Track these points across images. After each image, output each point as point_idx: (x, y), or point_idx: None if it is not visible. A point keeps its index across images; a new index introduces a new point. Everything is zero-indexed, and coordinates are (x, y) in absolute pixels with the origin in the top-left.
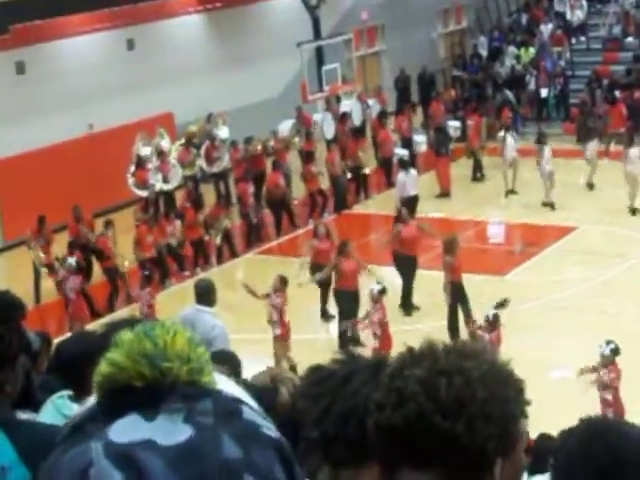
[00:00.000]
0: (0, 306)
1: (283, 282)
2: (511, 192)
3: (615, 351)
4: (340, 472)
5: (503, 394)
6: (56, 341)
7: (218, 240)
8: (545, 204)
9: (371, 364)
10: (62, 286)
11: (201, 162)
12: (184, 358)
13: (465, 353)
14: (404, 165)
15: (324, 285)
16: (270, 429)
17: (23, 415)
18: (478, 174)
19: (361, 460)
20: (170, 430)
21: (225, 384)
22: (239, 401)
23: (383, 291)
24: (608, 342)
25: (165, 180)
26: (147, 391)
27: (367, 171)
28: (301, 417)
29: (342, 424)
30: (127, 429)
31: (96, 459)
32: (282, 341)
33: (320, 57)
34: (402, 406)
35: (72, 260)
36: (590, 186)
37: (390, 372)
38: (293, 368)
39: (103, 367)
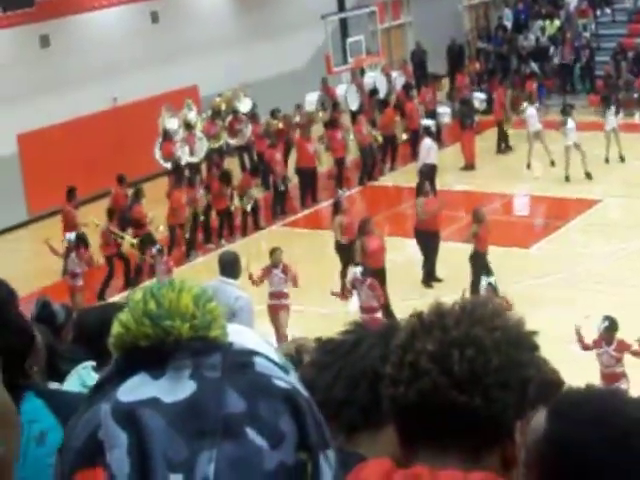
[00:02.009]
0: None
1: (277, 252)
2: (551, 164)
3: (610, 328)
4: (354, 437)
5: (517, 358)
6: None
7: (249, 208)
8: (567, 178)
9: (380, 331)
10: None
11: (225, 135)
12: (188, 316)
13: (475, 319)
14: (430, 133)
15: (344, 262)
16: (282, 379)
17: (52, 386)
18: (503, 146)
19: (374, 423)
20: (175, 387)
21: (241, 335)
22: (252, 353)
23: (364, 273)
24: (605, 318)
25: (191, 152)
26: (153, 350)
27: (405, 136)
28: (311, 385)
29: (352, 388)
30: (135, 388)
31: (104, 420)
32: (288, 312)
33: (344, 29)
34: (416, 382)
35: (71, 235)
36: (607, 160)
37: (401, 343)
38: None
39: (114, 328)
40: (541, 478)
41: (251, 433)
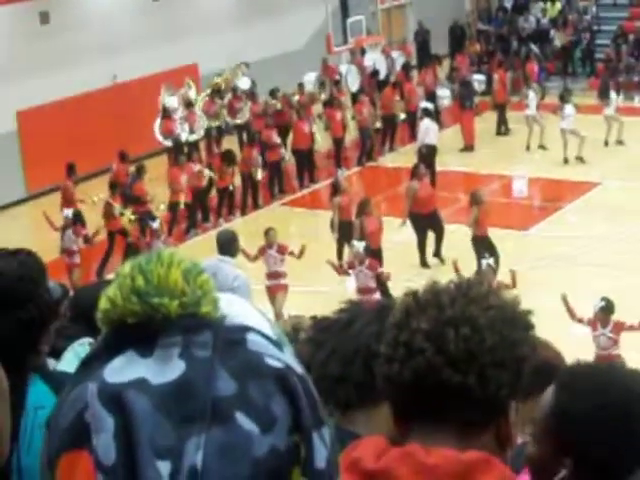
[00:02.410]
0: (34, 269)
1: (271, 232)
2: (541, 147)
3: (605, 309)
4: (350, 414)
5: (512, 337)
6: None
7: (259, 176)
8: (566, 160)
9: (374, 308)
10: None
11: (225, 113)
12: (177, 292)
13: (470, 298)
14: (429, 114)
15: (340, 241)
16: (275, 357)
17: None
18: (503, 128)
19: (369, 401)
20: (164, 367)
21: (233, 306)
22: (244, 329)
23: (368, 249)
24: (602, 299)
25: (191, 130)
26: (141, 327)
27: (403, 116)
28: (307, 363)
29: (346, 364)
30: (122, 368)
31: (91, 401)
32: (285, 291)
33: (345, 9)
34: (411, 360)
35: (69, 212)
36: (606, 143)
37: (396, 321)
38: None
39: (101, 303)
40: (550, 451)
41: (240, 417)
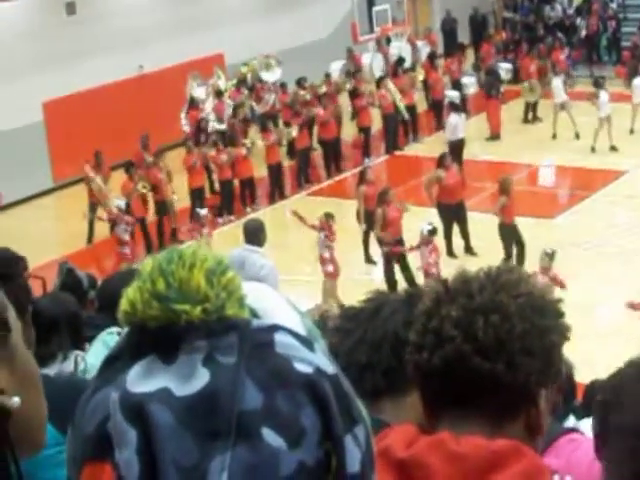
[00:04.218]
0: (3, 264)
1: (329, 218)
2: (576, 136)
3: None
4: (378, 402)
5: (542, 325)
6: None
7: (294, 133)
8: (593, 149)
9: (402, 296)
10: (114, 226)
11: (252, 102)
12: (200, 297)
13: (500, 285)
14: (455, 107)
15: (366, 231)
16: (304, 361)
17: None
18: (531, 116)
19: (398, 388)
20: (187, 376)
21: (262, 298)
22: (272, 329)
23: (434, 231)
24: None
25: (219, 120)
26: (163, 330)
27: (406, 116)
28: (334, 351)
29: (374, 352)
30: (145, 375)
31: (113, 412)
32: (333, 279)
33: None
34: (440, 348)
35: (121, 202)
36: (631, 131)
37: (425, 309)
38: (341, 307)
39: (122, 304)
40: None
41: (267, 433)
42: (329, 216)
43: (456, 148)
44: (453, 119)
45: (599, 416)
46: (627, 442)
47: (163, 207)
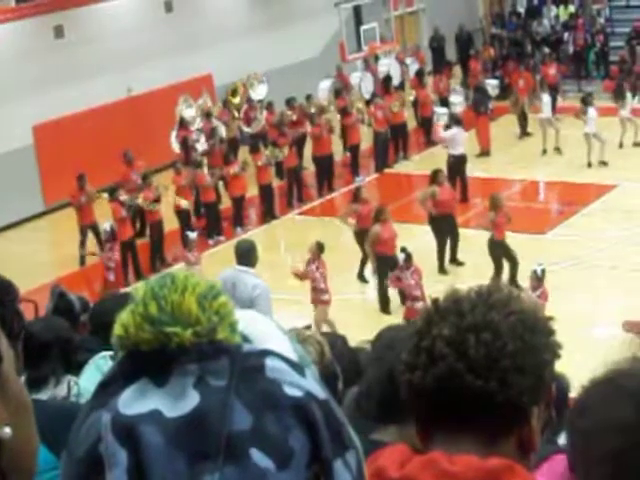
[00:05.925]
0: None
1: (319, 249)
2: (557, 150)
3: None
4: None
5: (533, 343)
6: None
7: (281, 157)
8: (589, 164)
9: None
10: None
11: (240, 123)
12: (191, 321)
13: (491, 304)
14: (457, 121)
15: (364, 250)
16: (294, 385)
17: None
18: (520, 132)
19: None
20: (178, 398)
21: (255, 325)
22: (264, 354)
23: (408, 259)
24: None
25: (208, 141)
26: (155, 353)
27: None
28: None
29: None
30: (136, 398)
31: (104, 434)
32: (327, 306)
33: (358, 16)
34: (433, 367)
35: (107, 225)
36: (620, 145)
37: (417, 328)
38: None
39: (115, 328)
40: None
41: (256, 454)
42: (320, 247)
43: (455, 166)
44: (454, 130)
45: (567, 433)
46: (588, 463)
47: (159, 228)
